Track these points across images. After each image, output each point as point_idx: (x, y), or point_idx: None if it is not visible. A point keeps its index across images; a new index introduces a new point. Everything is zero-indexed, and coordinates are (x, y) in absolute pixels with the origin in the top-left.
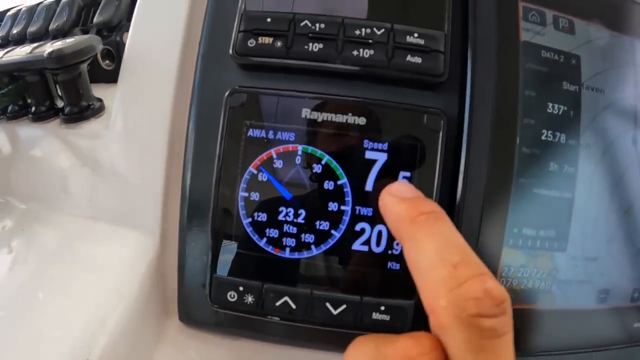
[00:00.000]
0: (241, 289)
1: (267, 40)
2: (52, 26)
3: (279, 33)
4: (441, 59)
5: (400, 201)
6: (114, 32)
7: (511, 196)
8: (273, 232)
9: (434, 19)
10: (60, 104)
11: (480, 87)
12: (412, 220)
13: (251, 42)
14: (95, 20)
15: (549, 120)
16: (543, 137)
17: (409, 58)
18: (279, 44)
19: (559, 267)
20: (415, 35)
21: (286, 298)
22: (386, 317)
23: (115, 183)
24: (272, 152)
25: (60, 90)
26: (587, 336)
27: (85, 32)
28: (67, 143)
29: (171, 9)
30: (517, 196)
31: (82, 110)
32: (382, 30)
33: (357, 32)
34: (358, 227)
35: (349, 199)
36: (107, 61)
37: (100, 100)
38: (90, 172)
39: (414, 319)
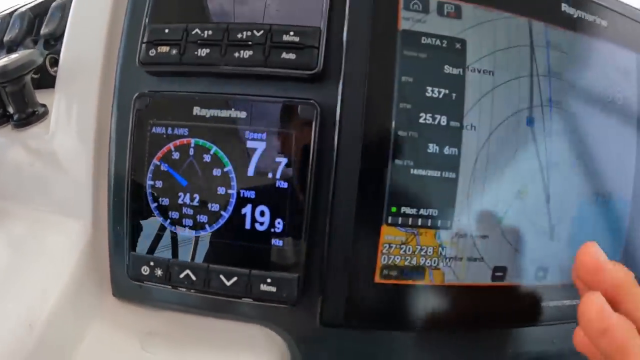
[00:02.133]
0: (152, 264)
1: (165, 49)
2: (7, 37)
3: (173, 42)
4: (314, 53)
5: (614, 270)
6: (58, 41)
7: (388, 177)
8: (174, 214)
9: (311, 15)
10: (12, 110)
11: (351, 76)
12: (630, 289)
13: (152, 52)
14: (42, 31)
15: (428, 104)
16: (421, 120)
17: (283, 55)
18: (174, 51)
19: (444, 244)
20: (291, 33)
21: (188, 271)
22: (273, 289)
23: (57, 178)
24: (171, 146)
25: (9, 100)
26: (482, 313)
27: (35, 42)
28: (18, 145)
29: (95, 25)
30: (395, 177)
31: (28, 116)
32: (261, 31)
33: (239, 35)
34: (243, 209)
35: (234, 183)
36: (55, 68)
37: (44, 105)
38: (39, 169)
39: (301, 291)
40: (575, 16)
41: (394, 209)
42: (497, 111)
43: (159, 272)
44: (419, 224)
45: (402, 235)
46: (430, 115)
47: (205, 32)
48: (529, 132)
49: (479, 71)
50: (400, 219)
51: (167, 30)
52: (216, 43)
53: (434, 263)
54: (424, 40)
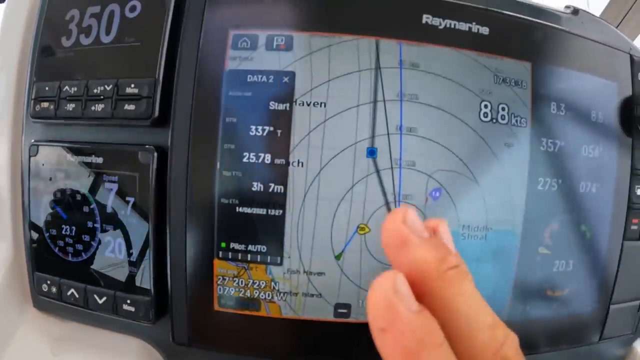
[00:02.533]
0: (49, 282)
1: (45, 104)
2: None
3: (50, 99)
4: (149, 103)
5: (422, 246)
6: None
7: (216, 215)
8: (60, 243)
9: (149, 67)
10: None
11: (179, 121)
12: (440, 276)
13: (37, 107)
14: None
15: (251, 143)
16: (245, 160)
17: (126, 107)
18: (51, 107)
19: (277, 279)
20: (132, 85)
21: (72, 290)
22: (132, 309)
23: None
24: (55, 188)
25: None
26: (325, 348)
27: None
28: None
29: (6, 83)
30: (221, 214)
31: None
32: (111, 85)
33: (95, 90)
34: (105, 239)
35: (97, 218)
36: None
37: None
38: None
39: (156, 312)
40: (441, 27)
41: (223, 244)
42: (329, 144)
43: (53, 289)
44: (249, 259)
45: (233, 269)
46: (254, 154)
47: (72, 88)
48: (370, 164)
49: (308, 104)
50: (230, 253)
51: (47, 88)
52: (78, 98)
53: (268, 296)
54: (250, 78)
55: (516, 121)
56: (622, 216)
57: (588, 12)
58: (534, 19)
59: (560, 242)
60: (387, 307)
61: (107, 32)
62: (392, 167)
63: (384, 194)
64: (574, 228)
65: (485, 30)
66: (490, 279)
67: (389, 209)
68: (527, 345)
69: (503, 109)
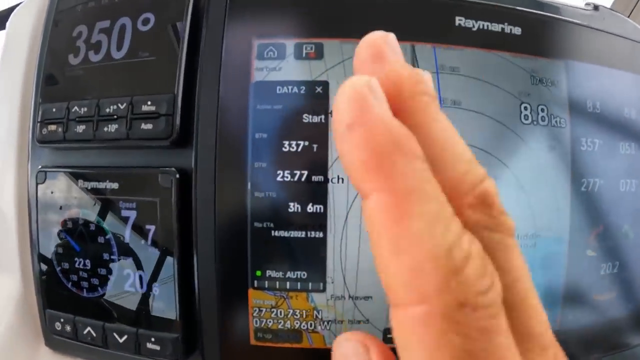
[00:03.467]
0: (62, 320)
1: (53, 127)
2: None
3: (58, 121)
4: (169, 121)
5: (398, 63)
6: None
7: (249, 241)
8: (74, 277)
9: (167, 83)
10: None
11: (202, 140)
12: (413, 97)
13: (44, 130)
14: None
15: (285, 160)
16: (279, 179)
17: (142, 126)
18: (59, 129)
19: (319, 307)
20: (149, 103)
21: (89, 328)
22: (157, 347)
23: None
24: (66, 217)
25: None
26: None
27: None
28: None
29: (10, 108)
30: (256, 241)
31: None
32: (125, 104)
33: (107, 110)
34: (124, 272)
35: (114, 249)
36: None
37: None
38: None
39: (185, 350)
40: (474, 29)
41: (258, 273)
42: None
43: (68, 327)
44: (288, 287)
45: (271, 299)
46: (288, 172)
47: (82, 109)
48: None
49: None
50: (266, 282)
51: (54, 110)
52: (89, 119)
53: (311, 326)
54: (280, 89)
55: (556, 122)
56: None
57: (607, 8)
58: (561, 17)
59: (605, 244)
60: (359, 99)
61: (119, 48)
62: None
63: None
64: (617, 229)
65: (517, 31)
66: (541, 289)
67: None
68: (578, 353)
69: (542, 110)
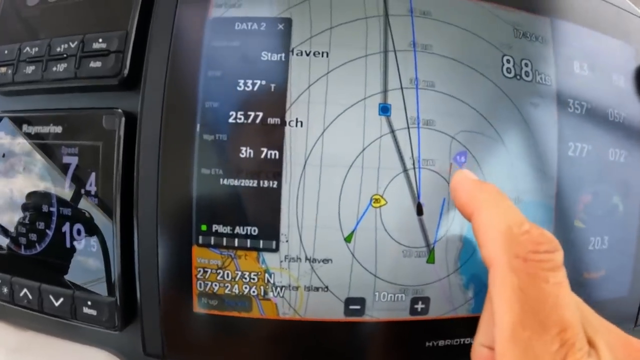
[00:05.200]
0: (0, 281)
1: (3, 69)
2: None
3: (8, 62)
4: (119, 59)
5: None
6: None
7: (194, 190)
8: (12, 232)
9: (120, 19)
10: None
11: (151, 77)
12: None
13: None
14: None
15: (239, 100)
16: (230, 120)
17: (91, 64)
18: (9, 71)
19: (271, 270)
20: (100, 40)
21: (25, 290)
22: (94, 312)
23: None
24: (8, 166)
25: None
26: (335, 355)
27: None
28: None
29: None
30: (202, 190)
31: None
32: (76, 42)
33: (58, 49)
34: (63, 227)
35: (54, 201)
36: None
37: None
38: None
39: (124, 316)
40: None
41: (204, 227)
42: (334, 100)
43: (5, 289)
44: (236, 244)
45: (217, 258)
46: (242, 113)
47: (33, 49)
48: (383, 123)
49: (308, 54)
50: (212, 238)
51: (6, 51)
52: (39, 59)
53: (262, 292)
54: (238, 26)
55: (541, 78)
56: None
57: None
58: None
59: (595, 216)
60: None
61: None
62: (408, 127)
63: (402, 158)
64: (607, 200)
65: None
66: None
67: (407, 178)
68: None
69: (526, 64)
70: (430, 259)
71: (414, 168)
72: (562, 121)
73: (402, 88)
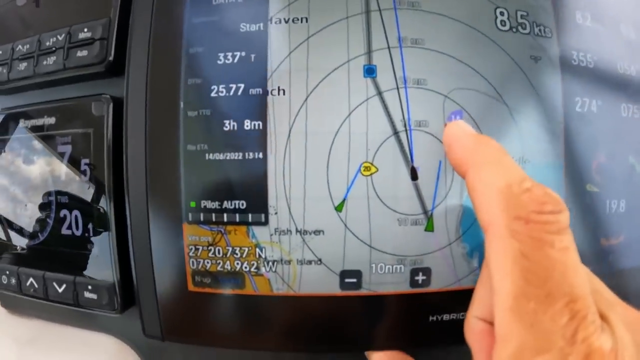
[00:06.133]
0: (7, 272)
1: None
2: None
3: (3, 62)
4: (103, 45)
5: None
6: None
7: (181, 167)
8: (16, 225)
9: (103, 6)
10: None
11: (134, 61)
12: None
13: None
14: None
15: (220, 74)
16: (213, 94)
17: (78, 54)
18: (4, 71)
19: (262, 244)
20: (85, 30)
21: (31, 279)
22: (94, 296)
23: None
24: (9, 160)
25: None
26: (333, 332)
27: None
28: None
29: None
30: (189, 166)
31: None
32: (63, 34)
33: (48, 42)
34: (61, 214)
35: (52, 190)
36: None
37: None
38: None
39: (123, 299)
40: None
41: (192, 204)
42: (316, 65)
43: (12, 280)
44: (225, 219)
45: (207, 235)
46: (223, 86)
47: (25, 46)
48: (369, 85)
49: (287, 21)
50: (202, 214)
51: (1, 52)
52: (31, 55)
53: (254, 267)
54: (216, 0)
55: (540, 30)
56: None
57: None
58: None
59: (610, 178)
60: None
61: None
62: (397, 87)
63: (391, 121)
64: (622, 160)
65: None
66: None
67: (398, 141)
68: None
69: (522, 16)
70: (429, 227)
71: (405, 130)
72: (566, 75)
73: (389, 47)
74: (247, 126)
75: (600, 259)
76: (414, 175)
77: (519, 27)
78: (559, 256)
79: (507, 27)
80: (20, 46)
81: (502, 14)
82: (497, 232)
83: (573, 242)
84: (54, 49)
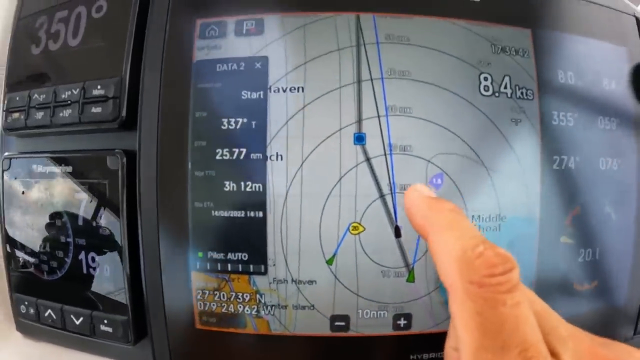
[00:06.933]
0: (26, 303)
1: (16, 115)
2: None
3: (20, 109)
4: (116, 104)
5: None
6: None
7: (190, 221)
8: (35, 260)
9: (116, 67)
10: None
11: (145, 120)
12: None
13: (9, 119)
14: None
15: (224, 138)
16: (217, 157)
17: (93, 110)
18: (21, 117)
19: (262, 291)
20: (99, 87)
21: (50, 311)
22: (110, 329)
23: None
24: (27, 201)
25: None
26: None
27: None
28: None
29: None
30: (197, 221)
31: None
32: (78, 89)
33: (63, 95)
34: (79, 255)
35: (70, 232)
36: None
37: None
38: None
39: (136, 333)
40: None
41: (200, 254)
42: (310, 133)
43: (31, 310)
44: (229, 269)
45: (213, 282)
46: (227, 150)
47: (41, 96)
48: (359, 152)
49: (284, 90)
50: (208, 264)
51: (17, 98)
52: (47, 105)
53: (254, 311)
54: (220, 67)
55: (522, 93)
56: None
57: None
58: None
59: (584, 228)
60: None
61: (74, 35)
62: (385, 154)
63: (378, 185)
64: (598, 211)
65: None
66: None
67: (384, 203)
68: None
69: (505, 80)
70: (410, 278)
71: (391, 193)
72: (545, 134)
73: (378, 116)
74: (249, 188)
75: (574, 302)
76: (397, 233)
77: (502, 91)
78: (511, 311)
79: (489, 92)
80: (36, 95)
81: (485, 79)
82: (456, 293)
83: (524, 295)
84: (69, 102)
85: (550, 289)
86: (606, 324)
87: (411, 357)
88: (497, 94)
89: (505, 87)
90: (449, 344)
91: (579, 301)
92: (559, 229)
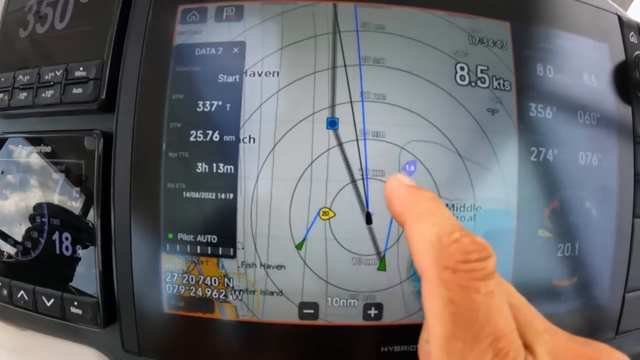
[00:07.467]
0: (0, 284)
1: (1, 96)
2: None
3: (5, 89)
4: (97, 85)
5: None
6: None
7: (161, 202)
8: (10, 240)
9: (99, 49)
10: None
11: (124, 102)
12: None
13: None
14: None
15: (199, 120)
16: (191, 139)
17: (74, 91)
18: (5, 97)
19: (230, 275)
20: (81, 69)
21: (22, 292)
22: (79, 311)
23: None
24: (6, 181)
25: None
26: (291, 356)
27: None
28: None
29: None
30: (168, 202)
31: None
32: (61, 71)
33: (47, 77)
34: (54, 235)
35: (45, 212)
36: None
37: None
38: None
39: (106, 316)
40: None
41: (170, 236)
42: (283, 117)
43: (4, 291)
44: (198, 251)
45: (182, 264)
46: (201, 132)
47: (25, 77)
48: (331, 137)
49: (260, 74)
50: (178, 245)
51: (2, 79)
52: (30, 86)
53: (222, 295)
54: (198, 51)
55: (499, 84)
56: (630, 190)
57: None
58: None
59: (563, 222)
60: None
61: (61, 19)
62: (357, 139)
63: (350, 170)
64: (578, 205)
65: None
66: None
67: (355, 188)
68: None
69: (482, 71)
70: (381, 267)
71: (362, 178)
72: (523, 125)
73: (351, 102)
74: (221, 169)
75: (553, 299)
76: (368, 219)
77: (478, 82)
78: (484, 300)
79: (466, 82)
80: (21, 76)
81: (462, 69)
82: (429, 279)
83: (498, 284)
84: (52, 83)
85: (527, 284)
86: (587, 324)
87: (382, 349)
88: (473, 84)
89: (482, 78)
90: (423, 337)
91: (558, 298)
92: (537, 221)
